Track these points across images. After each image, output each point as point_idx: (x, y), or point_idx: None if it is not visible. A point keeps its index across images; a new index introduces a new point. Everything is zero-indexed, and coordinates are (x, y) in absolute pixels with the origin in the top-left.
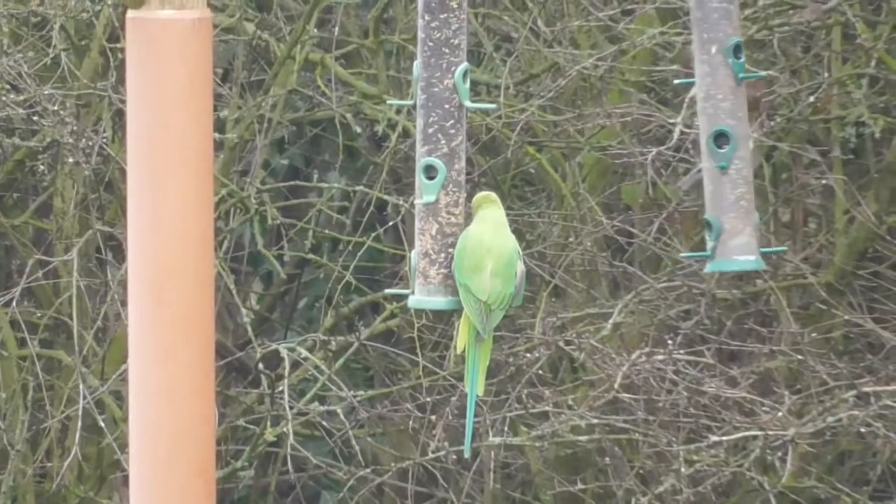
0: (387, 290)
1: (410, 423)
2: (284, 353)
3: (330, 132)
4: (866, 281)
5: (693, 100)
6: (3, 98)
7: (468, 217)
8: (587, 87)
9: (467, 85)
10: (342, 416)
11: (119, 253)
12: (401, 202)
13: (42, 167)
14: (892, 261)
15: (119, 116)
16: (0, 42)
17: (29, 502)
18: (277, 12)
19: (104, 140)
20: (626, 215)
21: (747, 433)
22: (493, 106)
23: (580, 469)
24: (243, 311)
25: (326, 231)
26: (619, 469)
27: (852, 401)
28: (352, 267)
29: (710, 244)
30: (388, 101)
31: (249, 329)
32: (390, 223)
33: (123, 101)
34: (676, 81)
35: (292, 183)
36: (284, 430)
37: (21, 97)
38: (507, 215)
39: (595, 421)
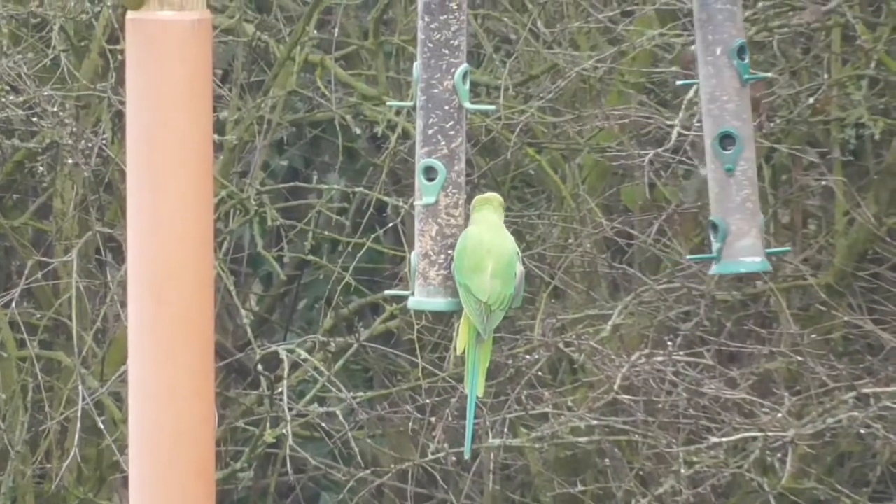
0: (386, 292)
1: (410, 424)
2: (284, 354)
3: (329, 133)
4: (866, 282)
5: (692, 101)
6: (3, 99)
7: (468, 218)
8: (587, 88)
9: (467, 86)
10: (342, 418)
11: (119, 254)
12: (400, 203)
13: (42, 168)
14: (892, 262)
15: (119, 118)
16: (0, 43)
17: (28, 503)
18: (277, 13)
19: (104, 141)
20: (626, 217)
21: (747, 434)
22: (492, 107)
23: (580, 470)
24: (243, 312)
25: (326, 232)
26: (618, 470)
27: (852, 402)
28: (351, 268)
29: (715, 246)
30: (388, 103)
31: (249, 330)
32: (390, 224)
33: (123, 103)
34: (678, 83)
35: (292, 184)
36: (284, 431)
37: (21, 98)
38: (507, 217)
39: (595, 422)
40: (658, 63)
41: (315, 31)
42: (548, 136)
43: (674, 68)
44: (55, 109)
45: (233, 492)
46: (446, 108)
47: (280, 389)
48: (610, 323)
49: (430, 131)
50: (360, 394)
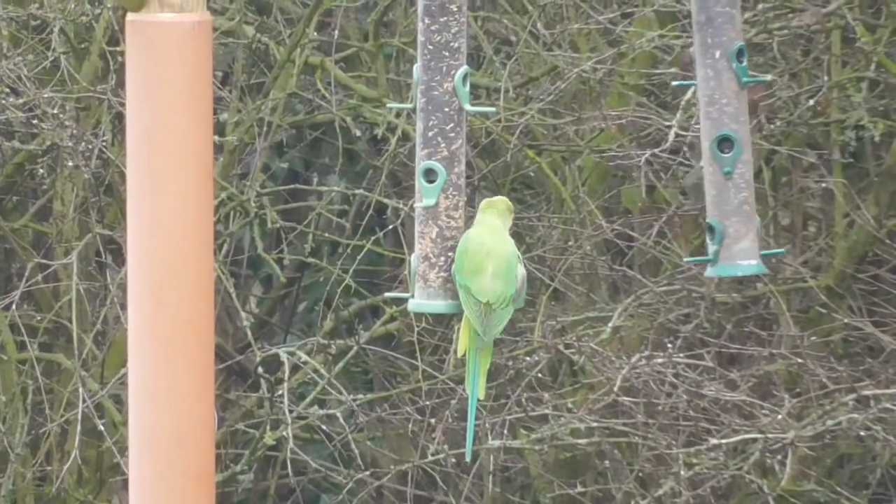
0: (386, 294)
1: (410, 426)
2: (284, 356)
3: (330, 135)
4: (866, 284)
5: (690, 102)
6: (3, 101)
7: (468, 220)
8: (586, 90)
9: (467, 88)
10: (342, 420)
11: (119, 256)
12: (400, 206)
13: (42, 170)
14: (892, 264)
15: (119, 119)
16: (0, 45)
17: None
18: (277, 15)
19: (104, 143)
20: (626, 219)
21: (747, 436)
22: (492, 109)
23: (580, 472)
24: (243, 314)
25: (326, 234)
26: (618, 472)
27: (852, 404)
28: (351, 270)
29: (712, 248)
30: (388, 105)
31: (249, 332)
32: (390, 227)
33: (123, 105)
34: (674, 83)
35: (292, 186)
36: (284, 433)
37: (20, 100)
38: None
39: (594, 424)
40: (658, 65)
41: (315, 34)
42: (548, 138)
43: (673, 70)
44: (55, 111)
45: (233, 494)
46: (446, 110)
47: (280, 392)
48: (610, 325)
49: (431, 133)
50: (361, 396)
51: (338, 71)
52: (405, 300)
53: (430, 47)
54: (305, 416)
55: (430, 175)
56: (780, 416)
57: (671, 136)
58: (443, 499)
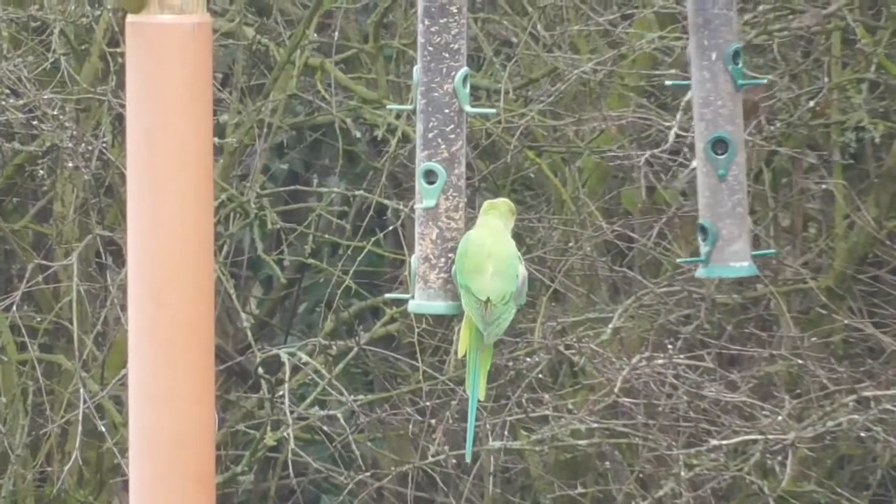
0: (387, 295)
1: (410, 427)
2: (284, 357)
3: (330, 137)
4: (866, 285)
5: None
6: (3, 102)
7: (468, 221)
8: (587, 91)
9: (467, 89)
10: (342, 421)
11: (119, 257)
12: (401, 207)
13: (42, 171)
14: (892, 265)
15: (119, 121)
16: (0, 46)
17: None
18: (277, 17)
19: (104, 144)
20: (626, 220)
21: (747, 437)
22: (492, 111)
23: (580, 473)
24: (243, 315)
25: (326, 235)
26: (618, 473)
27: (852, 405)
28: (352, 271)
29: (704, 249)
30: (388, 106)
31: (249, 333)
32: (390, 228)
33: (123, 106)
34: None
35: (292, 187)
36: (284, 434)
37: (21, 101)
38: None
39: (595, 425)
40: (658, 66)
41: (315, 35)
42: (548, 139)
43: (673, 71)
44: (55, 113)
45: (233, 495)
46: (446, 111)
47: (281, 393)
48: (610, 326)
49: (431, 135)
50: (361, 397)
51: (338, 72)
52: (405, 301)
53: (431, 49)
54: (306, 416)
55: (430, 176)
56: (780, 418)
57: (671, 137)
58: (443, 500)
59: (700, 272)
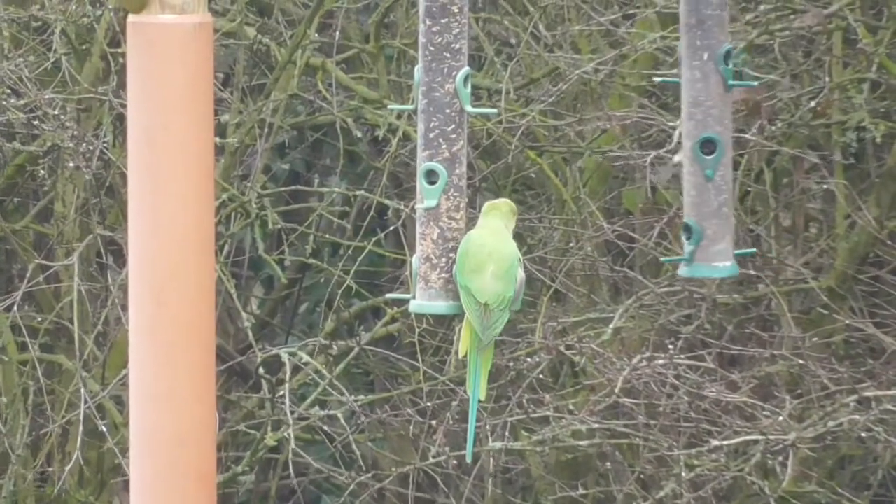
0: (388, 295)
1: (411, 427)
2: (285, 357)
3: (331, 137)
4: (867, 285)
5: None
6: (4, 102)
7: (470, 222)
8: (588, 91)
9: (468, 89)
10: (343, 421)
11: (120, 257)
12: (402, 207)
13: (43, 171)
14: (893, 265)
15: (120, 121)
16: (1, 46)
17: None
18: (278, 17)
19: (105, 144)
20: (627, 220)
21: (748, 438)
22: (494, 111)
23: (581, 474)
24: (244, 315)
25: (327, 235)
26: (619, 474)
27: (853, 405)
28: (352, 271)
29: (688, 248)
30: (389, 106)
31: (250, 333)
32: (391, 228)
33: (124, 106)
34: (657, 79)
35: (293, 187)
36: (285, 434)
37: (22, 101)
38: None
39: (596, 426)
40: (659, 66)
41: (316, 35)
42: (549, 139)
43: (675, 71)
44: (56, 113)
45: (234, 495)
46: (447, 111)
47: (281, 393)
48: (611, 326)
49: (432, 135)
50: (362, 397)
51: (339, 72)
52: (406, 301)
53: (432, 49)
54: (306, 417)
55: (431, 176)
56: (781, 418)
57: (676, 137)
58: (444, 500)
59: (683, 271)
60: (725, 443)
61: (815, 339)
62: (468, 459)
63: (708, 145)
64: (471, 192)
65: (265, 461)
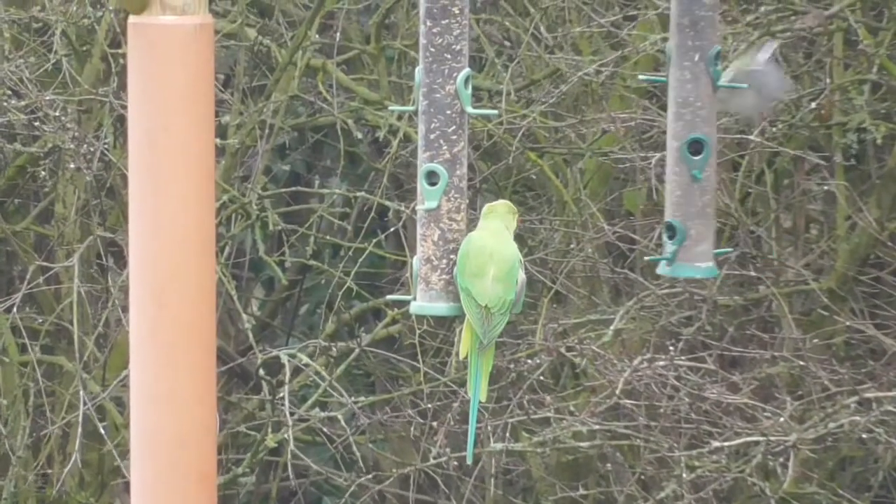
0: (388, 297)
1: (412, 429)
2: (285, 359)
3: (331, 138)
4: (868, 287)
5: None
6: (5, 103)
7: (470, 223)
8: (589, 92)
9: (469, 91)
10: (343, 423)
11: (120, 258)
12: (402, 208)
13: (43, 173)
14: (894, 267)
15: (120, 122)
16: (1, 47)
17: None
18: (279, 18)
19: (105, 146)
20: (628, 221)
21: (749, 439)
22: (494, 112)
23: (582, 475)
24: (244, 316)
25: (328, 237)
26: (620, 475)
27: (854, 407)
28: (353, 273)
29: (670, 248)
30: (390, 107)
31: (251, 335)
32: (392, 229)
33: (125, 107)
34: (641, 77)
35: (294, 189)
36: (285, 436)
37: (22, 103)
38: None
39: (596, 427)
40: (660, 67)
41: (317, 36)
42: (550, 140)
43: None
44: (57, 114)
45: (234, 497)
46: (448, 112)
47: (282, 394)
48: (612, 327)
49: (432, 136)
50: (362, 398)
51: (340, 73)
52: (407, 303)
53: (432, 50)
54: (307, 418)
55: (431, 177)
56: (782, 419)
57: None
58: (444, 502)
59: (664, 270)
60: (726, 444)
61: (815, 340)
62: (469, 461)
63: (695, 146)
64: (471, 193)
65: (266, 463)
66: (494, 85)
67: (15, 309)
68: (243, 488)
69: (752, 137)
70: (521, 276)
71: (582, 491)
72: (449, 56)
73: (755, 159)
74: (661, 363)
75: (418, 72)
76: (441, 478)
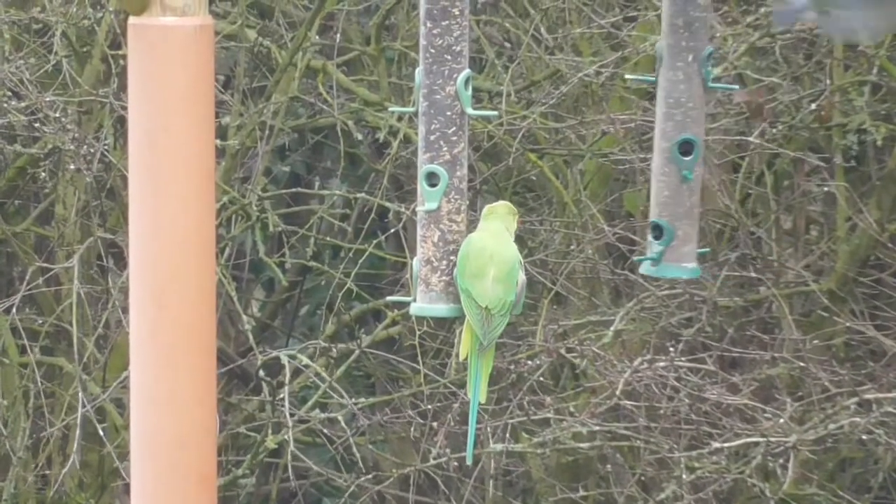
0: (388, 298)
1: (412, 430)
2: (286, 360)
3: (331, 139)
4: (868, 288)
5: None
6: (5, 105)
7: (470, 224)
8: (589, 93)
9: (469, 92)
10: (343, 424)
11: (120, 260)
12: (402, 209)
13: (43, 174)
14: (894, 268)
15: (120, 123)
16: (2, 48)
17: None
18: (279, 19)
19: (106, 147)
20: (628, 223)
21: (749, 440)
22: (494, 113)
23: (581, 476)
24: (245, 318)
25: (328, 238)
26: (620, 476)
27: (854, 408)
28: (353, 274)
29: (657, 248)
30: (390, 108)
31: (251, 336)
32: (392, 230)
33: (125, 108)
34: (628, 77)
35: (294, 190)
36: (285, 437)
37: (22, 104)
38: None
39: (596, 428)
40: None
41: (317, 37)
42: (550, 141)
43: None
44: (57, 115)
45: (234, 498)
46: (448, 113)
47: (282, 395)
48: (612, 329)
49: (433, 137)
50: (362, 400)
51: (340, 74)
52: (407, 304)
53: (432, 51)
54: (307, 419)
55: (432, 179)
56: (782, 420)
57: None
58: (444, 503)
59: (649, 269)
60: (726, 445)
61: (815, 341)
62: (469, 461)
63: (685, 146)
64: (471, 194)
65: (266, 464)
66: (494, 86)
67: (15, 310)
68: (243, 490)
69: (751, 139)
70: (522, 277)
71: (582, 492)
72: (449, 57)
73: (755, 160)
74: (662, 364)
75: (418, 73)
76: (441, 479)
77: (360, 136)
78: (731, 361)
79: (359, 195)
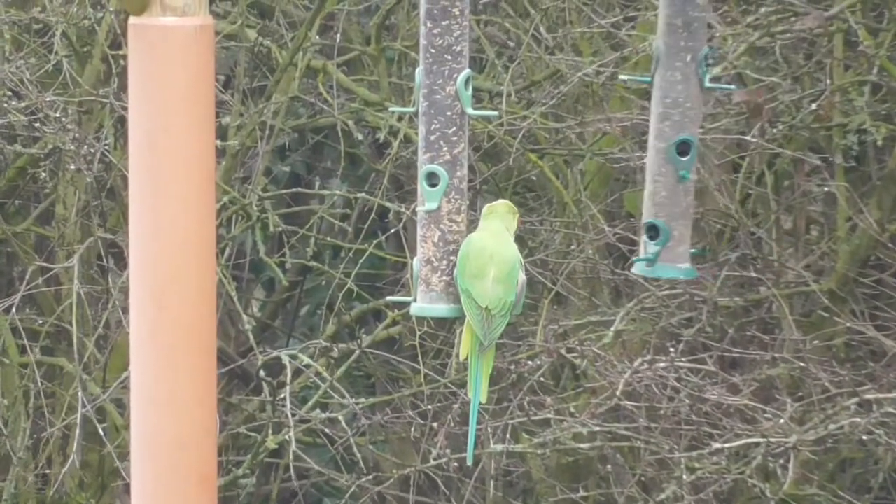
0: (388, 298)
1: (412, 430)
2: (286, 360)
3: (332, 139)
4: (868, 288)
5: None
6: (5, 105)
7: (470, 224)
8: (589, 93)
9: (469, 92)
10: (344, 424)
11: (120, 260)
12: (402, 209)
13: (44, 174)
14: (895, 268)
15: (121, 123)
16: (2, 48)
17: None
18: (279, 19)
19: (106, 147)
20: (628, 223)
21: (749, 440)
22: (495, 113)
23: (582, 476)
24: (245, 318)
25: (328, 238)
26: (620, 476)
27: (854, 408)
28: (353, 274)
29: (652, 248)
30: (390, 108)
31: (251, 336)
32: (392, 230)
33: (125, 108)
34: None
35: (294, 190)
36: (286, 437)
37: (23, 104)
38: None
39: (597, 428)
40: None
41: (317, 37)
42: (550, 141)
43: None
44: (57, 115)
45: (235, 499)
46: (448, 113)
47: (282, 395)
48: (612, 329)
49: (433, 137)
50: (363, 400)
51: (340, 74)
52: (407, 304)
53: (433, 51)
54: (308, 419)
55: (432, 179)
56: (782, 421)
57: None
58: (444, 503)
59: (644, 270)
60: (726, 445)
61: (816, 341)
62: (469, 462)
63: (682, 146)
64: (472, 194)
65: (266, 464)
66: (495, 86)
67: (15, 310)
68: (244, 490)
69: (751, 139)
70: (522, 277)
71: (582, 493)
72: (449, 57)
73: (755, 161)
74: (662, 364)
75: (418, 73)
76: (441, 479)
77: (360, 136)
78: (731, 362)
79: (359, 195)
